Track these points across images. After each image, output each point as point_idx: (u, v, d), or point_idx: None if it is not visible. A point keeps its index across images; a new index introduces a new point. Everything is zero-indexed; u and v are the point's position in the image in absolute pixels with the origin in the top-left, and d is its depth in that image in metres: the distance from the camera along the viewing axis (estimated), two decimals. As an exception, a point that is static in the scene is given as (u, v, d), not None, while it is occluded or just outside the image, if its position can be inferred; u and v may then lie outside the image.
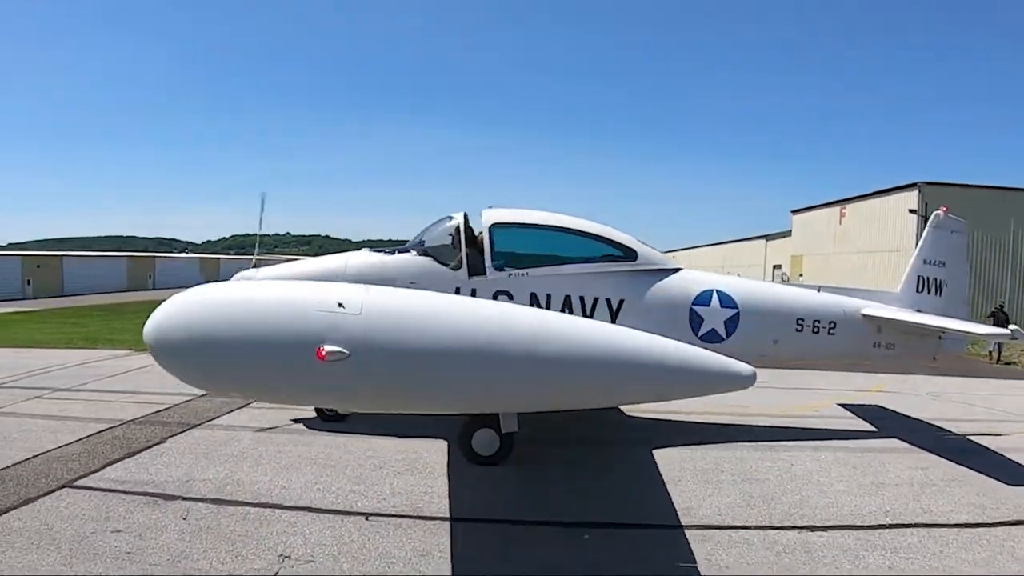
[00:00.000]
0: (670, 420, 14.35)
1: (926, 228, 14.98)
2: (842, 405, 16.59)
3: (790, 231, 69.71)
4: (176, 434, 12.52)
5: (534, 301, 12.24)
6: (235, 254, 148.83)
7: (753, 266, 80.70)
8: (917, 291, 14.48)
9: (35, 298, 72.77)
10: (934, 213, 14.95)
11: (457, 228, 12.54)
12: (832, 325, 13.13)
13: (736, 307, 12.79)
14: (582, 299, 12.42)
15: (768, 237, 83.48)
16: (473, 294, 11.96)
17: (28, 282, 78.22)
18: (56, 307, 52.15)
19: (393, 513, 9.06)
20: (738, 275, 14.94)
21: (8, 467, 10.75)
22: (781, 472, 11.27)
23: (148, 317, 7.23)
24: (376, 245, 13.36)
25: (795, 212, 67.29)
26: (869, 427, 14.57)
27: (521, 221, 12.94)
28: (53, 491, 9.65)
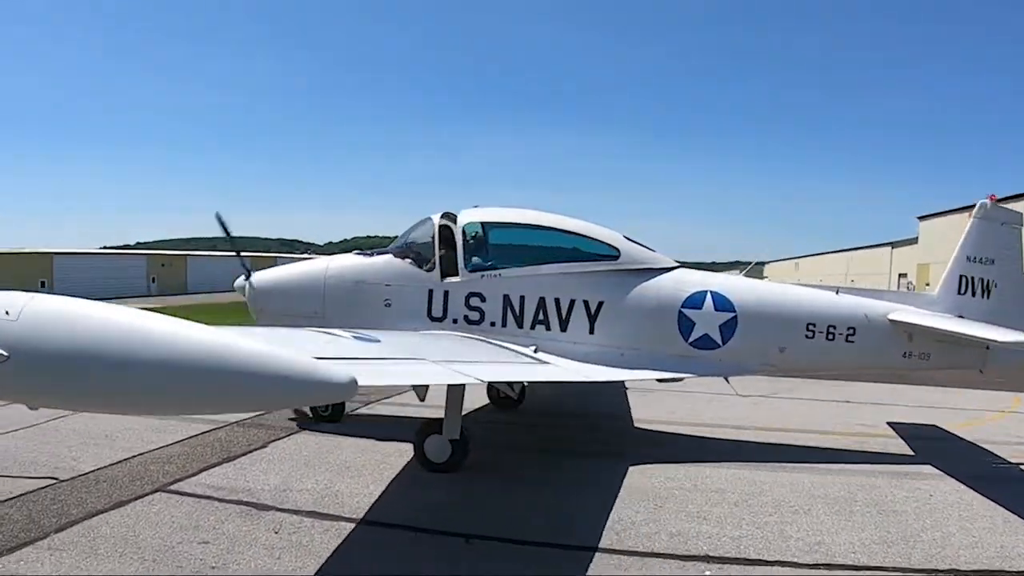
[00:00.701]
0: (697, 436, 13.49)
1: (970, 220, 12.96)
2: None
3: (916, 238, 67.07)
4: (279, 438, 12.09)
5: (507, 303, 11.80)
6: (356, 253, 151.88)
7: (878, 275, 77.54)
8: (959, 293, 12.65)
9: (159, 295, 76.45)
10: (979, 203, 12.84)
11: (432, 229, 12.20)
12: (851, 331, 11.60)
13: (733, 310, 11.69)
14: (557, 301, 11.80)
15: (893, 244, 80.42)
16: (446, 296, 11.83)
17: (153, 280, 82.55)
18: (178, 304, 53.71)
19: (495, 536, 8.33)
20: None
21: (105, 467, 10.54)
22: (750, 495, 9.84)
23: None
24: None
25: (922, 218, 64.58)
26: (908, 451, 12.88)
27: (495, 220, 12.50)
28: (146, 495, 9.32)
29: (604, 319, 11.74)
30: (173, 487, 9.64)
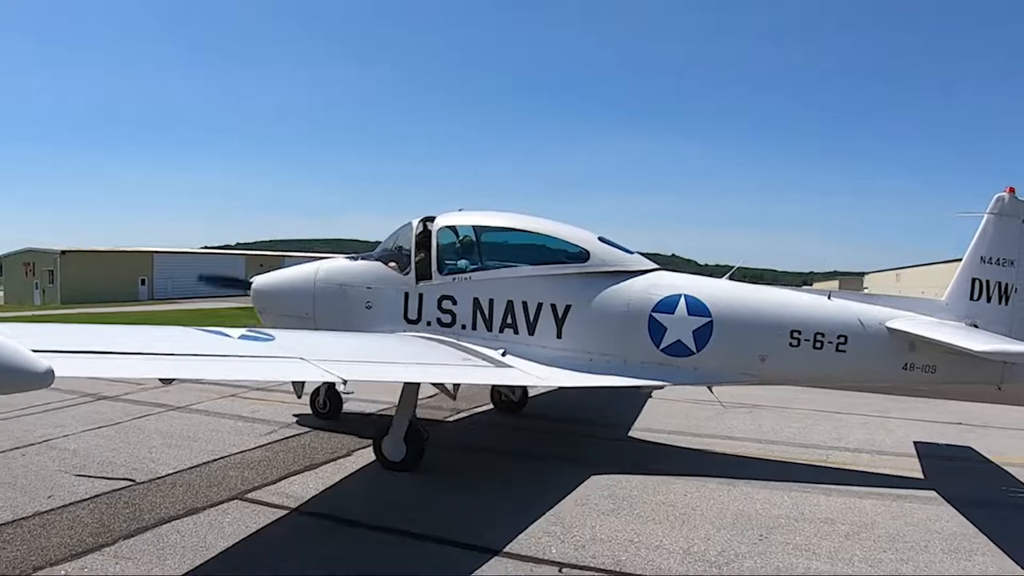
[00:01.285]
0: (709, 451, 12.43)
1: (985, 216, 11.39)
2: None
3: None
4: (364, 447, 11.56)
5: (477, 306, 11.73)
6: None
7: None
8: (972, 298, 11.18)
9: None
10: (996, 196, 11.25)
11: (410, 233, 12.30)
12: (842, 339, 10.54)
13: (708, 315, 10.88)
14: (525, 304, 11.57)
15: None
16: (420, 299, 11.94)
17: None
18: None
19: (589, 565, 7.67)
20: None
21: (183, 470, 10.36)
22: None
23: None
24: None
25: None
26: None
27: (468, 223, 12.45)
28: (221, 503, 9.01)
29: (571, 323, 11.39)
30: (250, 495, 9.30)
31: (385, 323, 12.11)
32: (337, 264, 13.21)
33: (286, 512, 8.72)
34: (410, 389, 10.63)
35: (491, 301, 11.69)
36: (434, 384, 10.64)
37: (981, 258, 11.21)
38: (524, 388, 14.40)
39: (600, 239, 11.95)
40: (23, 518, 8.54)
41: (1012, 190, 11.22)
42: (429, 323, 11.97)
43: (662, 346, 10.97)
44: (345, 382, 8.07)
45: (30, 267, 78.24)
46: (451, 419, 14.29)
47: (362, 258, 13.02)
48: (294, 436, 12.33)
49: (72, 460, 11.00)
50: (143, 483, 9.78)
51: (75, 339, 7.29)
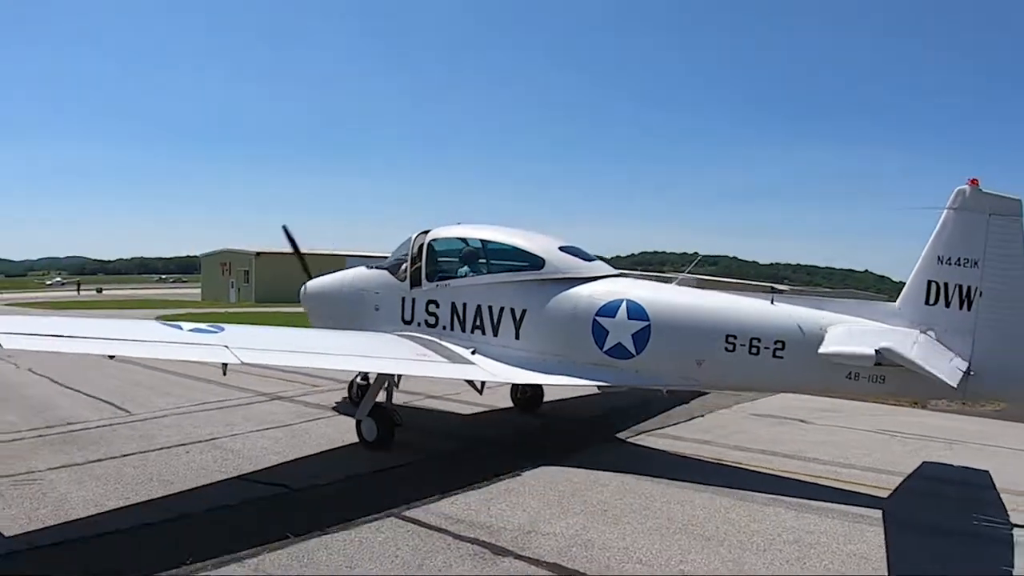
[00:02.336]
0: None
1: (943, 211, 10.12)
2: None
3: None
4: (535, 467, 11.04)
5: (454, 310, 13.14)
6: (642, 269, 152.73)
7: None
8: (927, 303, 10.16)
9: None
10: (956, 189, 9.93)
11: (409, 245, 13.87)
12: (779, 345, 10.31)
13: (647, 319, 11.38)
14: (490, 308, 12.78)
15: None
16: (413, 303, 13.57)
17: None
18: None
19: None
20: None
21: (342, 480, 10.22)
22: None
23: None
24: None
25: None
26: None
27: (449, 235, 13.88)
28: (376, 518, 8.62)
29: (527, 325, 12.39)
30: (408, 512, 8.86)
31: (388, 324, 13.72)
32: (360, 272, 14.95)
33: (439, 534, 8.22)
34: (379, 380, 12.39)
35: (464, 305, 13.06)
36: (381, 374, 12.24)
37: (939, 258, 10.16)
38: (540, 390, 15.51)
39: (561, 248, 12.98)
40: (169, 519, 8.54)
41: (975, 182, 9.92)
42: (419, 324, 13.47)
43: (605, 348, 11.57)
44: (224, 366, 10.26)
45: (227, 267, 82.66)
46: (462, 411, 15.66)
47: (376, 267, 14.73)
48: (457, 451, 12.06)
49: (233, 461, 11.08)
50: (298, 490, 9.66)
51: (40, 325, 9.33)
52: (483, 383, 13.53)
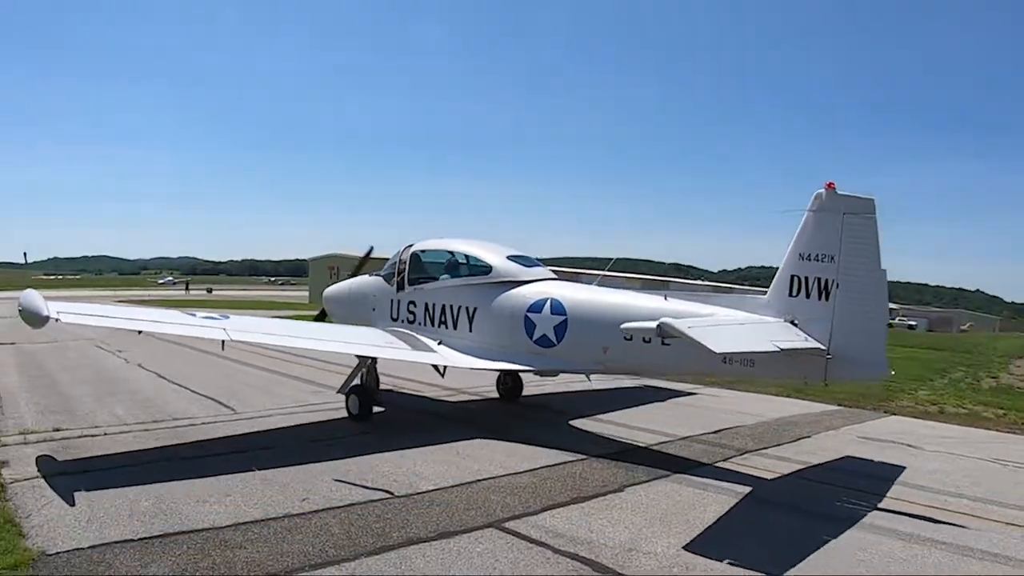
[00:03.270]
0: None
1: (805, 213, 11.80)
2: None
3: None
4: (638, 483, 10.94)
5: (426, 308, 16.15)
6: (748, 284, 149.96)
7: None
8: (790, 295, 11.81)
9: None
10: (815, 193, 11.69)
11: (397, 256, 17.11)
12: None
13: (565, 313, 13.86)
14: (451, 307, 15.72)
15: None
16: (398, 304, 16.70)
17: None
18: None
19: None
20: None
21: (443, 488, 10.28)
22: None
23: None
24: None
25: None
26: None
27: (425, 248, 16.91)
28: (476, 529, 8.70)
29: (478, 321, 15.19)
30: (508, 524, 8.90)
31: (381, 321, 16.80)
32: (364, 279, 18.32)
33: (539, 548, 8.23)
34: (360, 364, 15.22)
35: (434, 305, 16.02)
36: (360, 357, 14.99)
37: (800, 255, 11.76)
38: (519, 381, 18.45)
39: (508, 256, 15.69)
40: (272, 518, 8.78)
41: (832, 185, 11.54)
42: (403, 321, 16.49)
43: (534, 339, 14.15)
44: (221, 344, 12.87)
45: (334, 270, 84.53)
46: (451, 399, 18.28)
47: (375, 274, 17.85)
48: (565, 463, 11.88)
49: (338, 464, 11.29)
50: (400, 497, 9.77)
51: (90, 309, 12.71)
52: (445, 368, 15.55)
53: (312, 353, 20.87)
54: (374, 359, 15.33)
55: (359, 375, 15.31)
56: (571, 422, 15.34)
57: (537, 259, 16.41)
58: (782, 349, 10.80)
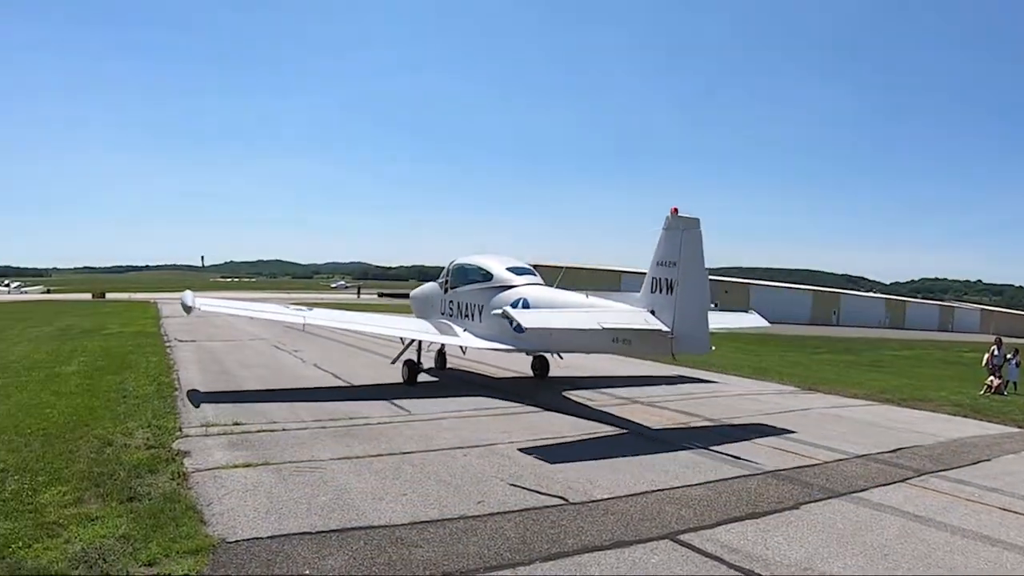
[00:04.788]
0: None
1: (660, 231, 15.70)
2: None
3: None
4: (813, 500, 10.64)
5: (458, 306, 21.71)
6: (922, 298, 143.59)
7: None
8: (652, 292, 15.77)
9: None
10: (666, 216, 15.53)
11: (446, 267, 22.78)
12: None
13: (529, 307, 18.44)
14: (470, 305, 21.09)
15: None
16: (445, 302, 22.36)
17: (715, 305, 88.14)
18: (736, 332, 54.29)
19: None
20: None
21: (619, 497, 10.28)
22: None
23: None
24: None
25: None
26: None
27: (460, 262, 22.45)
28: (651, 540, 8.66)
29: (483, 318, 20.38)
30: (683, 536, 8.81)
31: (435, 315, 22.55)
32: (429, 284, 24.16)
33: (714, 562, 8.10)
34: (408, 344, 21.25)
35: (462, 303, 21.64)
36: (403, 339, 21.48)
37: (657, 263, 15.77)
38: (546, 363, 23.48)
39: (507, 268, 21.03)
40: (448, 519, 9.01)
41: (675, 210, 15.38)
42: (447, 315, 22.09)
43: (513, 326, 17.60)
44: (303, 326, 19.59)
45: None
46: (499, 375, 23.67)
47: (436, 282, 23.52)
48: (740, 478, 11.66)
49: (510, 468, 11.51)
50: (575, 504, 9.82)
51: (220, 303, 20.69)
52: (464, 348, 21.63)
53: (454, 362, 25.23)
54: (419, 341, 21.09)
55: (407, 351, 21.23)
56: (757, 440, 14.74)
57: (531, 268, 21.59)
58: (603, 327, 15.56)
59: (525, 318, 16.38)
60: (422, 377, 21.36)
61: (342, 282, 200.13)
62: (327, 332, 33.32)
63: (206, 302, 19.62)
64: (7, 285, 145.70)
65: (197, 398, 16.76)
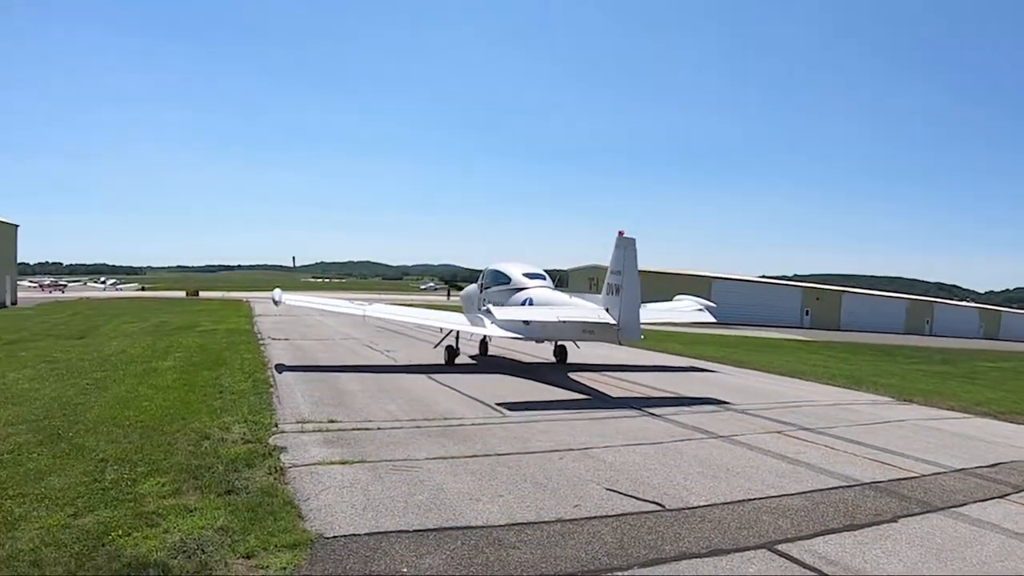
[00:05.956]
0: None
1: (613, 248, 20.85)
2: None
3: None
4: (911, 515, 10.41)
5: (488, 301, 25.28)
6: (1016, 307, 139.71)
7: None
8: (607, 294, 21.28)
9: (811, 328, 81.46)
10: (616, 236, 20.80)
11: (483, 271, 28.20)
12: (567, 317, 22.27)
13: (533, 305, 23.92)
14: (495, 302, 24.60)
15: None
16: (481, 300, 26.74)
17: (806, 312, 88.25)
18: (828, 340, 53.36)
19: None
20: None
21: (715, 505, 10.25)
22: None
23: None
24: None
25: None
26: None
27: (491, 267, 27.59)
28: (748, 549, 8.62)
29: (504, 312, 23.55)
30: (781, 547, 8.77)
31: (473, 310, 27.19)
32: (472, 286, 29.38)
33: (813, 574, 8.04)
34: (446, 332, 26.30)
35: (490, 300, 25.19)
36: (442, 328, 26.49)
37: (611, 271, 20.95)
38: (564, 351, 28.21)
39: (523, 273, 26.08)
40: (545, 521, 9.13)
41: (622, 232, 20.60)
42: (481, 311, 25.52)
43: (523, 319, 23.25)
44: (364, 317, 25.96)
45: (594, 281, 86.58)
46: (526, 361, 28.18)
47: (476, 283, 28.77)
48: (837, 488, 11.49)
49: (606, 473, 11.56)
50: (672, 511, 9.84)
51: (307, 299, 28.73)
52: (491, 337, 26.52)
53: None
54: (457, 331, 26.03)
55: (447, 338, 26.30)
56: (853, 451, 14.52)
57: (543, 273, 26.70)
58: (562, 320, 21.74)
59: (498, 312, 22.76)
60: (461, 359, 26.46)
61: (431, 284, 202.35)
62: (414, 331, 37.05)
63: (291, 297, 26.44)
64: (103, 282, 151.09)
65: (291, 396, 17.19)
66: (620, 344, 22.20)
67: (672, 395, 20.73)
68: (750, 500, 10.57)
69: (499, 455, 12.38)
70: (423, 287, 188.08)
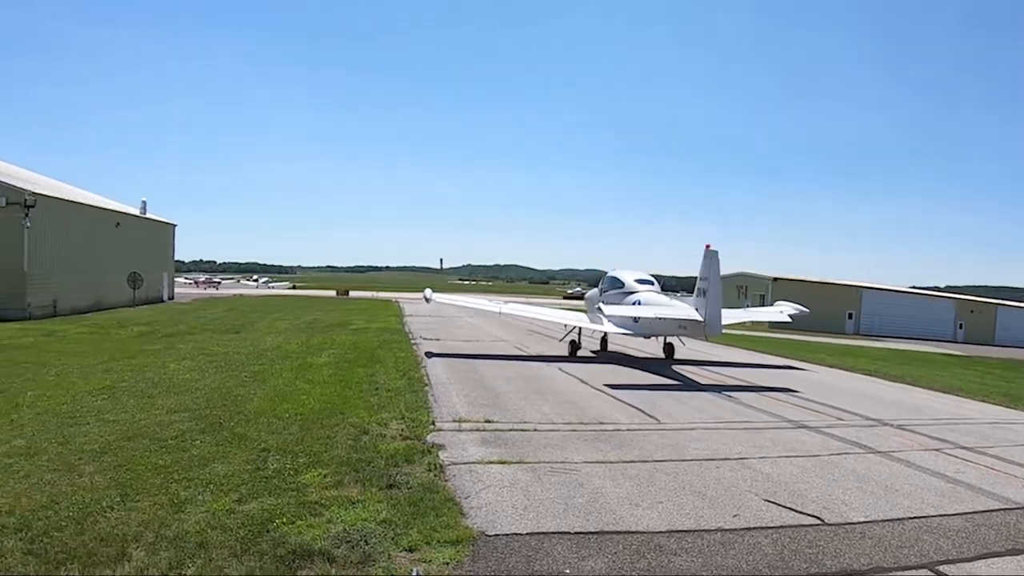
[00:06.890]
0: None
1: (702, 258, 25.27)
2: None
3: None
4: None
5: (606, 303, 29.06)
6: None
7: None
8: (697, 296, 25.67)
9: (965, 343, 78.25)
10: (704, 249, 25.09)
11: (603, 277, 33.01)
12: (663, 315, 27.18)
13: (640, 305, 28.23)
14: (612, 303, 28.83)
15: None
16: (600, 302, 29.85)
17: (960, 326, 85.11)
18: (983, 355, 51.20)
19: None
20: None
21: (875, 521, 10.12)
22: None
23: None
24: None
25: None
26: None
27: (610, 274, 32.31)
28: (909, 568, 8.55)
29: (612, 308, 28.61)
30: (942, 567, 8.67)
31: (593, 310, 30.45)
32: (593, 290, 34.05)
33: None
34: (569, 328, 31.19)
35: (607, 302, 29.00)
36: (566, 325, 31.50)
37: (700, 277, 25.49)
38: (672, 348, 31.98)
39: (635, 279, 30.63)
40: (705, 530, 9.30)
41: (709, 246, 24.87)
42: (600, 311, 28.28)
43: (632, 317, 27.67)
44: (499, 313, 31.97)
45: (743, 289, 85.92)
46: (594, 350, 32.56)
47: (595, 286, 33.50)
48: (999, 511, 11.19)
49: (764, 484, 11.64)
50: (831, 525, 9.84)
51: (453, 298, 38.76)
52: (608, 333, 30.91)
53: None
54: (579, 327, 30.51)
55: (571, 334, 30.97)
56: (1015, 472, 13.92)
57: (652, 279, 31.02)
58: (660, 317, 26.48)
59: (608, 311, 27.39)
60: (583, 353, 30.97)
61: (578, 288, 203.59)
62: (559, 333, 35.90)
63: (440, 296, 34.09)
64: (256, 280, 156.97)
65: (447, 396, 17.88)
66: (706, 339, 30.13)
67: (826, 405, 20.24)
68: (910, 519, 10.42)
69: (656, 461, 12.58)
70: (570, 291, 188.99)
